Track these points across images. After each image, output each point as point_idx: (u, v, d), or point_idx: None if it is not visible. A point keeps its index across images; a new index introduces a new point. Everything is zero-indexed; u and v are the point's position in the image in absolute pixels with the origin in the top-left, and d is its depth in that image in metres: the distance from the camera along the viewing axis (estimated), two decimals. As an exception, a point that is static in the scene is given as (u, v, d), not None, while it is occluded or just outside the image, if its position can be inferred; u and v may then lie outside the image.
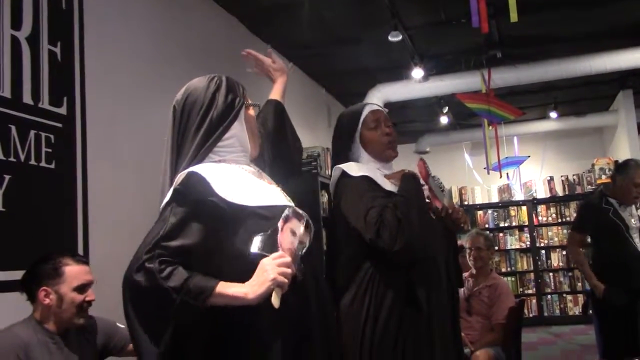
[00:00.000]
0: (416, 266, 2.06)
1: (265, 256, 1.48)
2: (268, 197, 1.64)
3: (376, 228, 1.98)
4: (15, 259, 2.67)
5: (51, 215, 2.98)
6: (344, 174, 2.17)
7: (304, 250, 1.54)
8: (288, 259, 1.48)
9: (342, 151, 2.29)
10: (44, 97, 3.02)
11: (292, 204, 1.70)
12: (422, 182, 2.23)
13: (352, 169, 2.18)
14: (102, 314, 3.09)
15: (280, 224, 1.51)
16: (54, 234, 2.99)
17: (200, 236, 1.50)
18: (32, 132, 2.91)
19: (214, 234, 1.52)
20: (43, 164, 2.95)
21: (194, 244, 1.49)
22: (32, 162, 2.89)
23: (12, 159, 2.77)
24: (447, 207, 2.26)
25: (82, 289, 2.23)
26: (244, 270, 1.49)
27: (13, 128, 2.80)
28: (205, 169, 1.58)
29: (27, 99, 2.91)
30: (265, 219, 1.55)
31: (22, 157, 2.83)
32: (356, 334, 2.04)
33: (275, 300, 1.44)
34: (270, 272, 1.44)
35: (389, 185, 2.16)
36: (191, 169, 1.58)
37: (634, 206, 4.01)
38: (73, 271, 2.22)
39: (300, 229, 1.54)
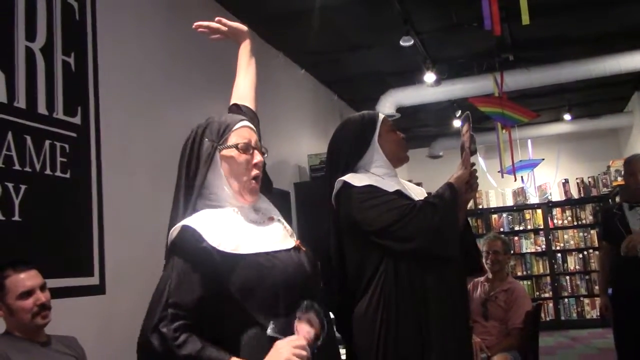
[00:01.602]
0: (431, 267, 2.05)
1: (280, 338, 1.48)
2: (265, 244, 1.59)
3: (413, 209, 2.03)
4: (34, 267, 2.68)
5: (67, 224, 3.00)
6: (346, 185, 2.16)
7: (318, 343, 1.53)
8: (304, 341, 1.48)
9: (347, 158, 2.25)
10: (59, 107, 3.04)
11: (293, 242, 1.66)
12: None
13: (354, 179, 2.17)
14: (118, 318, 3.12)
15: (298, 313, 1.52)
16: (70, 243, 3.01)
17: (204, 287, 1.49)
18: (47, 142, 2.93)
19: (213, 284, 1.51)
20: (58, 173, 2.97)
21: (200, 296, 1.49)
22: (48, 171, 2.91)
23: (27, 169, 2.80)
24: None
25: (27, 294, 2.26)
26: (243, 321, 1.50)
27: (28, 138, 2.83)
28: (199, 220, 1.55)
29: (41, 109, 2.94)
30: (261, 267, 1.53)
31: (38, 167, 2.86)
32: (371, 340, 2.03)
33: None
34: (285, 352, 1.44)
35: (393, 187, 2.16)
36: (184, 222, 1.55)
37: None
38: (12, 281, 2.25)
39: (317, 322, 1.54)
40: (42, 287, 2.31)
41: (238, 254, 1.52)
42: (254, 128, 1.74)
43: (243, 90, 2.01)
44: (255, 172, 1.65)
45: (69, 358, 2.37)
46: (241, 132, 1.67)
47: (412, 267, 2.05)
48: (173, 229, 1.57)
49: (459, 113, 8.09)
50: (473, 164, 2.25)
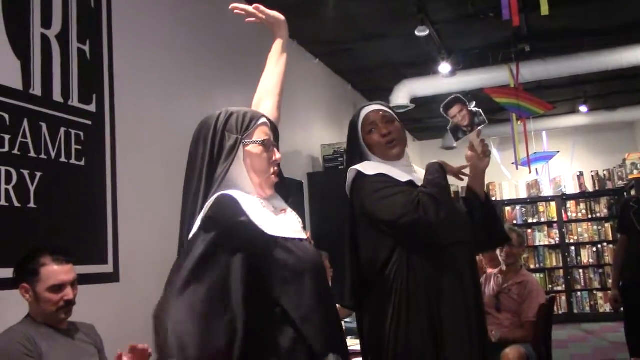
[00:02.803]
0: (443, 255, 2.05)
1: None
2: (289, 230, 1.61)
3: (417, 206, 2.01)
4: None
5: (81, 212, 3.02)
6: (359, 174, 2.17)
7: None
8: None
9: (355, 154, 2.30)
10: (74, 94, 3.05)
11: (305, 234, 1.67)
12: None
13: (367, 168, 2.18)
14: (133, 306, 3.13)
15: None
16: (85, 231, 3.02)
17: (228, 266, 1.45)
18: (62, 130, 2.94)
19: (248, 257, 1.47)
20: (73, 161, 2.98)
21: (221, 276, 1.44)
22: (63, 159, 2.92)
23: (43, 156, 2.81)
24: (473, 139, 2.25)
25: (58, 288, 2.26)
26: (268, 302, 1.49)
27: (44, 126, 2.84)
28: (234, 192, 1.56)
29: (57, 96, 2.95)
30: (289, 252, 1.54)
31: (53, 155, 2.87)
32: (383, 330, 2.03)
33: None
34: None
35: (406, 177, 2.16)
36: (220, 192, 1.54)
37: None
38: (49, 271, 2.25)
39: None
40: (73, 283, 2.32)
41: (270, 235, 1.53)
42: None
43: (269, 85, 2.00)
44: (275, 168, 1.68)
45: (89, 346, 2.39)
46: (263, 128, 1.68)
47: (424, 256, 2.05)
48: (208, 202, 1.52)
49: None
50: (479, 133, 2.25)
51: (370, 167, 2.18)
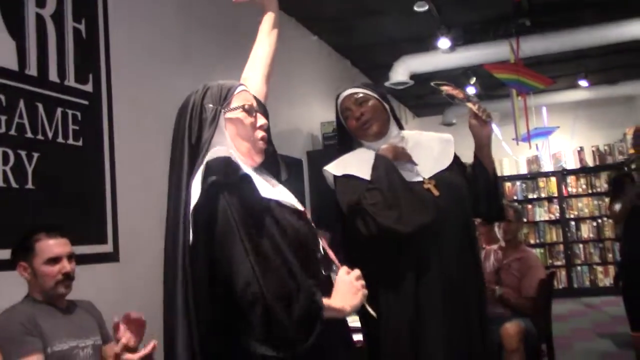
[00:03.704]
0: (404, 247, 2.04)
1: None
2: (282, 197, 1.62)
3: (356, 217, 2.03)
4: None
5: (80, 192, 3.01)
6: (331, 173, 2.21)
7: None
8: (359, 272, 1.58)
9: (345, 141, 2.33)
10: (70, 74, 3.03)
11: (302, 207, 1.67)
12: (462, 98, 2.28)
13: (339, 167, 2.20)
14: (133, 285, 3.15)
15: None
16: (84, 211, 3.02)
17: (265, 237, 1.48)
18: (59, 110, 2.93)
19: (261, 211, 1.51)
20: (70, 141, 2.97)
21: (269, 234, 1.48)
22: (60, 139, 2.91)
23: (40, 137, 2.80)
24: (471, 107, 2.25)
25: (54, 261, 2.27)
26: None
27: (40, 106, 2.82)
28: (226, 151, 1.57)
29: (53, 76, 2.93)
30: (292, 213, 1.57)
31: (50, 135, 2.86)
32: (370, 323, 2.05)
33: (371, 311, 1.59)
34: (356, 284, 1.54)
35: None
36: (218, 154, 1.53)
37: None
38: (43, 245, 2.27)
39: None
40: (70, 257, 2.34)
41: (269, 199, 1.54)
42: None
43: (258, 57, 1.97)
44: (262, 133, 1.65)
45: (90, 323, 2.40)
46: (243, 95, 1.66)
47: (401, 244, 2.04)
48: (202, 165, 1.50)
49: (473, 80, 7.99)
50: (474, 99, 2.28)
51: (340, 166, 2.20)
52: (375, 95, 2.26)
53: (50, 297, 2.29)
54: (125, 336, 2.01)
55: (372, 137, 2.22)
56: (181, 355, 1.41)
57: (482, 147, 2.29)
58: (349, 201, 2.06)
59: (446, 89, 2.30)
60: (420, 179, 2.15)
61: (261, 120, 1.66)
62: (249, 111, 1.63)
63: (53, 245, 2.29)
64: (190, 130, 1.58)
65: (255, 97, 1.73)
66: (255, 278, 1.37)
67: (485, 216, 2.41)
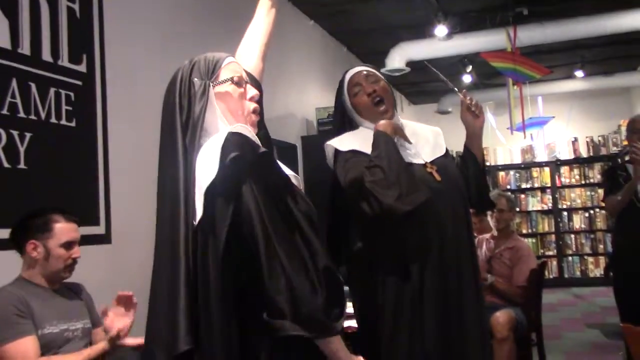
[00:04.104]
0: (408, 225, 2.01)
1: None
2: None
3: (360, 200, 1.99)
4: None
5: (73, 173, 2.99)
6: (335, 150, 2.16)
7: None
8: None
9: (344, 121, 2.28)
10: (64, 54, 3.00)
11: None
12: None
13: (343, 142, 2.16)
14: (124, 268, 3.14)
15: None
16: (76, 192, 3.00)
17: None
18: (52, 90, 2.90)
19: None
20: (63, 122, 2.95)
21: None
22: (53, 120, 2.89)
23: (32, 116, 2.77)
24: (463, 99, 2.28)
25: (68, 245, 2.31)
26: None
27: (33, 86, 2.79)
28: (238, 127, 1.50)
29: (46, 56, 2.90)
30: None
31: (43, 116, 2.83)
32: (364, 300, 2.05)
33: None
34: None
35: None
36: (228, 131, 1.46)
37: None
38: (62, 228, 2.30)
39: None
40: (78, 243, 2.37)
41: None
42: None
43: (255, 34, 1.92)
44: (253, 105, 1.61)
45: (80, 306, 2.41)
46: (231, 67, 1.61)
47: (395, 226, 2.03)
48: (215, 148, 1.43)
49: (469, 68, 7.98)
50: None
51: (344, 142, 2.17)
52: (384, 78, 2.25)
53: (53, 279, 2.30)
54: (116, 326, 2.09)
55: (380, 116, 2.18)
56: (183, 341, 1.35)
57: (474, 138, 2.31)
58: (350, 178, 2.03)
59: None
60: (422, 162, 2.14)
61: (252, 92, 1.61)
62: (238, 83, 1.59)
63: (70, 230, 2.32)
64: (181, 107, 1.54)
65: (246, 71, 1.69)
66: (280, 262, 1.33)
67: (476, 205, 2.40)
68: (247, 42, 1.91)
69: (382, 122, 2.12)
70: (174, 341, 1.35)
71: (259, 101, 1.66)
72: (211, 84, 1.57)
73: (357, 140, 2.16)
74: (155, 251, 1.47)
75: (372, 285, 2.05)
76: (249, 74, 1.70)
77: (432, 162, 2.17)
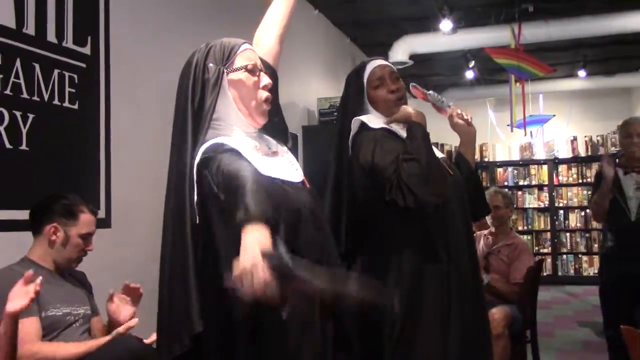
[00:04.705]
0: (432, 217, 2.02)
1: None
2: (279, 172, 1.58)
3: (394, 187, 1.95)
4: (39, 198, 2.67)
5: (74, 156, 2.98)
6: (363, 126, 2.14)
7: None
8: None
9: (356, 108, 2.24)
10: (69, 36, 2.98)
11: (300, 177, 1.64)
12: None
13: (372, 120, 2.14)
14: (124, 252, 3.14)
15: None
16: (77, 175, 2.99)
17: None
18: (56, 72, 2.88)
19: None
20: (66, 104, 2.93)
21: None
22: (56, 101, 2.87)
23: (35, 98, 2.76)
24: (452, 113, 2.32)
25: (86, 237, 2.34)
26: None
27: (37, 66, 2.77)
28: (223, 139, 1.52)
29: (51, 37, 2.88)
30: (286, 192, 1.52)
31: (46, 97, 2.82)
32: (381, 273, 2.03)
33: None
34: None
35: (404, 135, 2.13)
36: (214, 140, 1.50)
37: None
38: (86, 219, 2.34)
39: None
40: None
41: (269, 176, 1.50)
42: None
43: (274, 19, 1.89)
44: (265, 93, 1.61)
45: (81, 291, 2.41)
46: (247, 54, 1.62)
47: (413, 216, 2.00)
48: (200, 148, 1.50)
49: (472, 64, 7.96)
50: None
51: (374, 121, 2.15)
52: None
53: (62, 266, 2.32)
54: (122, 313, 2.21)
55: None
56: (196, 323, 1.40)
57: (468, 145, 2.33)
58: (384, 167, 1.98)
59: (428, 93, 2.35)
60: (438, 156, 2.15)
61: (265, 80, 1.62)
62: (252, 71, 1.59)
63: (91, 222, 2.36)
64: (193, 93, 1.55)
65: (261, 58, 1.69)
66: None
67: (473, 211, 2.37)
68: (266, 22, 1.89)
69: (413, 111, 2.10)
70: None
71: (272, 89, 1.65)
72: (225, 71, 1.57)
73: (385, 122, 2.14)
74: (162, 240, 1.51)
75: (387, 270, 2.03)
76: (263, 62, 1.70)
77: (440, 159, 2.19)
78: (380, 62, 2.25)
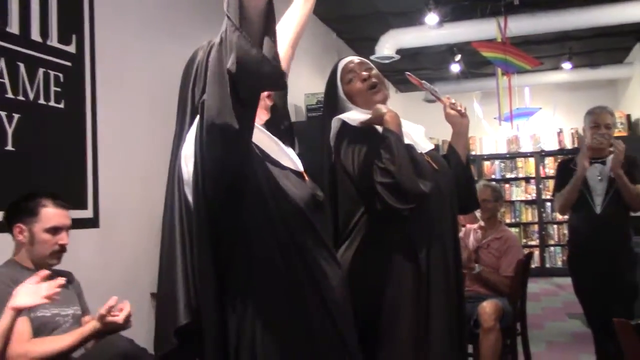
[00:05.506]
0: (412, 216, 2.00)
1: None
2: (288, 162, 1.61)
3: (370, 194, 1.97)
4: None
5: (61, 155, 2.95)
6: (344, 124, 2.12)
7: None
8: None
9: (334, 109, 2.22)
10: (53, 34, 2.94)
11: (301, 168, 1.66)
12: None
13: (351, 117, 2.13)
14: (112, 251, 3.11)
15: None
16: (64, 175, 2.96)
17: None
18: (41, 70, 2.85)
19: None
20: (52, 103, 2.90)
21: None
22: (41, 101, 2.84)
23: (21, 97, 2.72)
24: (445, 103, 2.34)
25: (55, 231, 2.27)
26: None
27: (22, 66, 2.74)
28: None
29: (35, 35, 2.84)
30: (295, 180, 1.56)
31: (31, 96, 2.78)
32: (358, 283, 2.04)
33: None
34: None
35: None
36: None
37: (607, 165, 3.62)
38: (49, 213, 2.27)
39: None
40: (67, 229, 2.33)
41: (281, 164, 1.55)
42: None
43: (288, 24, 1.85)
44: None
45: (70, 292, 2.38)
46: None
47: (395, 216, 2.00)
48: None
49: (458, 57, 7.97)
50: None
51: (353, 116, 2.13)
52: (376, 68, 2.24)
53: (39, 265, 2.26)
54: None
55: (374, 102, 2.14)
56: (211, 302, 1.41)
57: (460, 137, 2.32)
58: (362, 170, 2.00)
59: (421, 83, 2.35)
60: (420, 150, 2.13)
61: None
62: None
63: (58, 215, 2.28)
64: (194, 92, 1.55)
65: None
66: None
67: (463, 205, 2.37)
68: (280, 26, 1.87)
69: (389, 114, 2.06)
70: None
71: (282, 93, 1.69)
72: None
73: (365, 117, 2.12)
74: (162, 235, 1.54)
75: (377, 266, 2.03)
76: None
77: (426, 153, 2.17)
78: (349, 58, 2.26)
